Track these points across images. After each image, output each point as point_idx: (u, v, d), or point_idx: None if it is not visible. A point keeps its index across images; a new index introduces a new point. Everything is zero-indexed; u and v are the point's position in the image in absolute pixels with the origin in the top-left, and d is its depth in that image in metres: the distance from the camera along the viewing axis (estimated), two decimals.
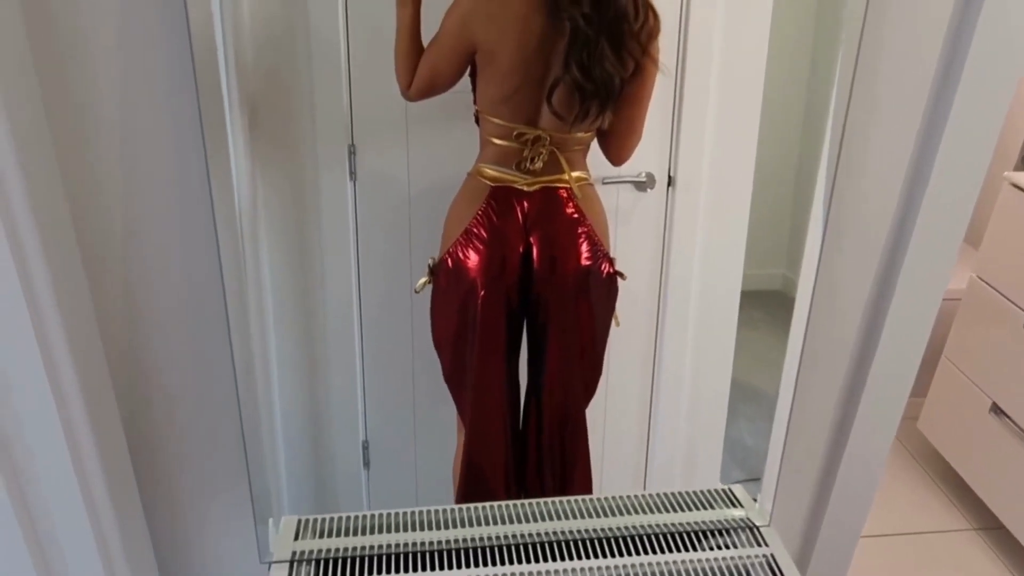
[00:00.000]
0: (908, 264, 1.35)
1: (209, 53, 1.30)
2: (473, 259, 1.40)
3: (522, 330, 1.53)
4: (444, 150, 1.60)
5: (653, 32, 1.34)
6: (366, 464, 1.99)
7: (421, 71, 1.40)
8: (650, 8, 1.33)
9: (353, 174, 1.76)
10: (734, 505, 1.44)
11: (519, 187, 1.41)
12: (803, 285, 1.38)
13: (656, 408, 2.05)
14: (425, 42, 1.43)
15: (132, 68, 1.27)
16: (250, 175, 1.64)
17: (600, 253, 1.45)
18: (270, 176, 1.71)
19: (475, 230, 1.41)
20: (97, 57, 1.24)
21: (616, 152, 1.48)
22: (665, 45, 1.45)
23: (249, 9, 1.55)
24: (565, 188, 1.42)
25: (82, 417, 1.24)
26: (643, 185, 1.83)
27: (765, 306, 1.85)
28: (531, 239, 1.42)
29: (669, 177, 1.84)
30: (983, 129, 1.25)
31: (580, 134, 1.40)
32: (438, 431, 1.85)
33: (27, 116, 1.17)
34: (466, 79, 1.43)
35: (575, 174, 1.43)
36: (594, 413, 1.92)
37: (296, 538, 1.43)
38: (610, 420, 2.05)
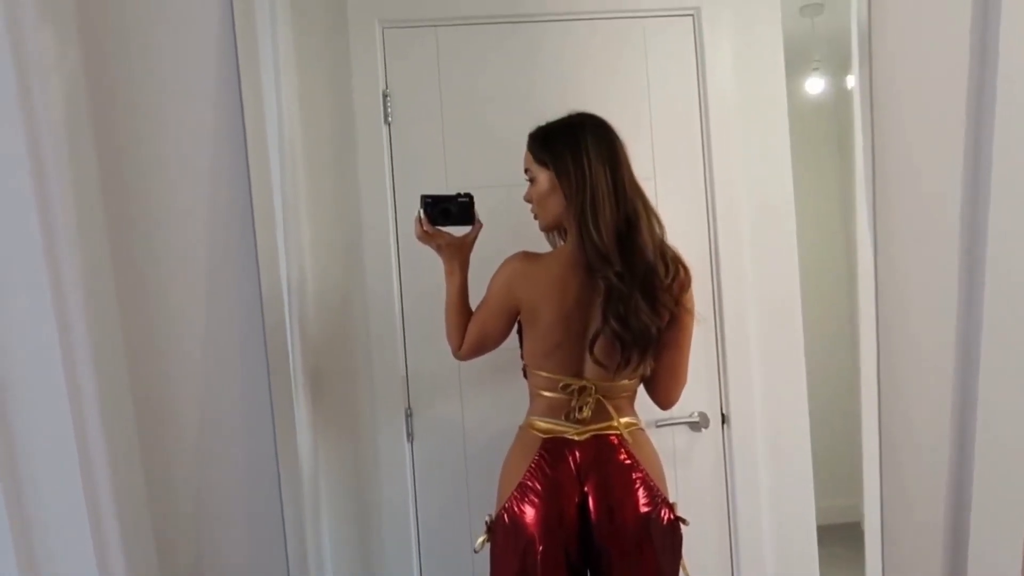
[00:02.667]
0: (977, 486, 1.29)
1: (279, 335, 1.42)
2: (529, 513, 1.40)
3: None
4: (497, 407, 1.66)
5: (684, 284, 1.43)
6: None
7: (471, 332, 1.51)
8: (679, 263, 1.43)
9: (410, 435, 1.82)
10: None
11: (570, 437, 1.44)
12: (870, 519, 1.33)
13: None
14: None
15: (213, 357, 1.40)
16: (312, 440, 1.70)
17: (659, 499, 1.43)
18: (331, 440, 1.78)
19: (529, 483, 1.41)
20: (183, 339, 1.38)
21: (664, 396, 1.51)
22: (701, 293, 1.53)
23: (312, 290, 1.71)
24: (615, 435, 1.44)
25: None
26: (697, 425, 1.83)
27: (845, 541, 1.75)
28: (585, 488, 1.41)
29: (722, 415, 1.84)
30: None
31: (625, 382, 1.45)
32: None
33: (115, 402, 1.28)
34: (513, 337, 1.52)
35: (624, 420, 1.45)
36: None
37: None
38: None
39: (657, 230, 1.41)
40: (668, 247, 1.43)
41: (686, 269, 1.44)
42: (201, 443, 1.43)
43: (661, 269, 1.39)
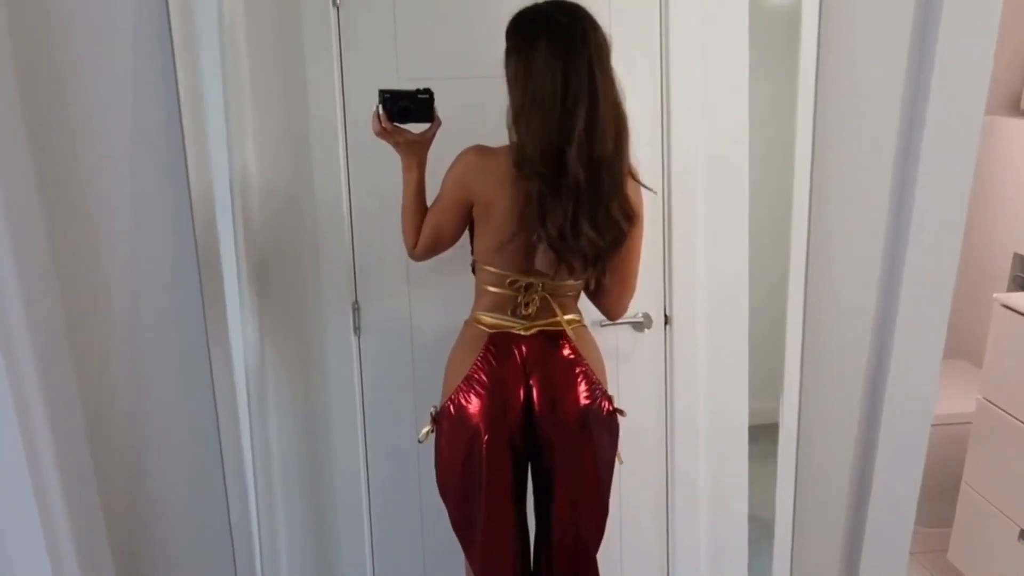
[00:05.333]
0: (891, 388, 1.36)
1: (210, 229, 1.38)
2: (475, 404, 1.43)
3: (527, 474, 1.52)
4: (445, 300, 1.67)
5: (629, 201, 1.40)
6: None
7: (425, 230, 1.48)
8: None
9: (357, 329, 1.82)
10: None
11: (517, 332, 1.46)
12: (787, 419, 1.38)
13: (674, 550, 2.00)
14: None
15: (140, 250, 1.36)
16: (258, 335, 1.69)
17: (599, 392, 1.48)
18: (278, 335, 1.77)
19: (476, 376, 1.44)
20: (108, 231, 1.33)
21: (613, 306, 1.53)
22: (651, 196, 1.53)
23: (257, 182, 1.66)
24: (560, 331, 1.47)
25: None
26: (641, 325, 1.87)
27: (772, 439, 1.84)
28: (531, 382, 1.44)
29: (665, 316, 1.89)
30: (945, 249, 1.31)
31: (570, 281, 1.46)
32: None
33: (39, 272, 1.24)
34: (466, 234, 1.51)
35: (568, 317, 1.47)
36: (610, 559, 1.87)
37: None
38: (627, 566, 2.00)
39: (612, 144, 1.34)
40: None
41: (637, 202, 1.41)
42: (133, 344, 1.40)
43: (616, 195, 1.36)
